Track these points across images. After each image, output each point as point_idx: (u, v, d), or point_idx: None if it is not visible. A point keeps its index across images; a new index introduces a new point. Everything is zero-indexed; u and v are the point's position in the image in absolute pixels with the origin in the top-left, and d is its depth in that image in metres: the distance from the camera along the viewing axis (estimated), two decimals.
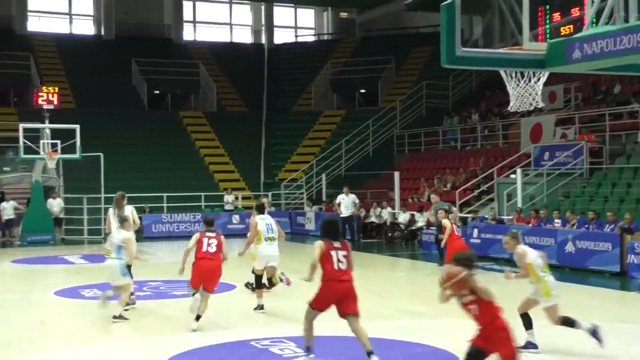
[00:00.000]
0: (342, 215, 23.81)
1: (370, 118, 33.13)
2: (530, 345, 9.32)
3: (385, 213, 25.65)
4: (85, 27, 40.87)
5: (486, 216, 21.42)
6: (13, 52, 33.88)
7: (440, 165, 28.31)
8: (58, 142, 24.80)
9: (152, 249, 22.79)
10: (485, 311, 6.73)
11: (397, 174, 26.71)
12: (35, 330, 11.16)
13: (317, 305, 8.73)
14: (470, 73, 34.02)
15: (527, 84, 7.60)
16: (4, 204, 26.56)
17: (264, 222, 12.58)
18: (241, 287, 14.50)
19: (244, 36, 43.66)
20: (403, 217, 24.90)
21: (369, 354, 8.57)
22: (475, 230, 20.33)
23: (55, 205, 26.65)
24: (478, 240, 20.07)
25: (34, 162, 26.99)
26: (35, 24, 39.59)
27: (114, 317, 11.45)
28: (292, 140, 34.97)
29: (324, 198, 29.94)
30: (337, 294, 8.64)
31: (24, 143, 24.60)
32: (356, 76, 36.82)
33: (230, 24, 43.39)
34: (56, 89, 26.92)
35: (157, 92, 36.74)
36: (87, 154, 25.86)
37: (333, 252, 8.61)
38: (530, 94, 7.67)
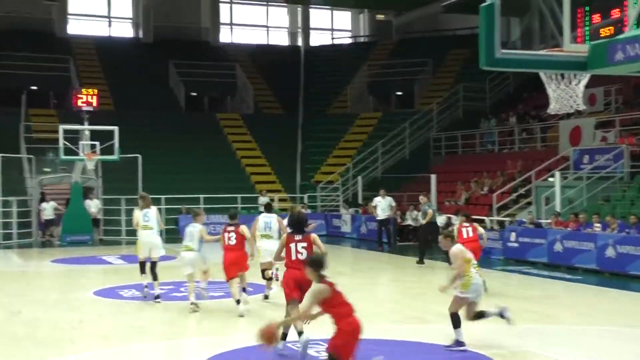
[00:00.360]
0: (378, 218, 23.78)
1: (407, 120, 33.01)
2: (457, 344, 9.67)
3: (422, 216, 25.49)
4: (124, 30, 41.31)
5: (524, 220, 21.22)
6: (53, 55, 34.39)
7: (477, 168, 28.12)
8: (97, 143, 25.07)
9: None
10: (334, 318, 6.91)
11: (433, 177, 26.58)
12: (75, 329, 11.30)
13: (286, 291, 9.71)
14: (508, 75, 33.76)
15: (567, 86, 7.52)
16: (44, 204, 26.94)
17: (264, 219, 13.81)
18: (280, 288, 14.51)
19: (281, 38, 43.80)
20: (439, 220, 24.74)
21: (300, 333, 9.32)
22: (513, 234, 20.15)
23: (93, 206, 26.96)
24: (516, 244, 19.90)
25: (73, 163, 27.28)
26: (75, 27, 40.12)
27: (192, 303, 12.51)
28: (328, 143, 34.98)
29: (359, 200, 29.90)
30: (293, 279, 9.51)
31: (64, 144, 24.89)
32: (393, 78, 36.72)
33: (267, 26, 43.56)
34: (95, 90, 27.15)
35: (194, 94, 37.02)
36: (125, 156, 26.12)
37: (292, 244, 9.63)
38: (570, 96, 7.59)
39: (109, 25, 41.03)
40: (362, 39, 44.65)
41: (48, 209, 26.82)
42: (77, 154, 25.10)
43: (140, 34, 40.44)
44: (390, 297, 15.23)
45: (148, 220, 13.63)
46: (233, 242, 12.57)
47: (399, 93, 37.54)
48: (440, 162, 31.43)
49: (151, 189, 27.54)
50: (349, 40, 45.10)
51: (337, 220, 28.93)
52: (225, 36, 42.38)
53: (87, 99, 26.31)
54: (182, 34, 40.17)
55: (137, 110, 33.59)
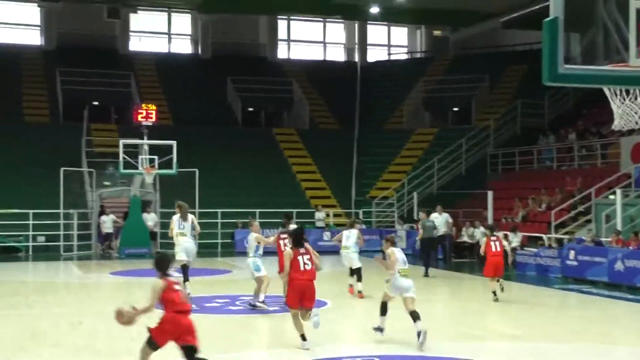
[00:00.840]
0: (431, 235, 23.51)
1: (463, 136, 32.72)
2: (378, 329, 11.17)
3: (478, 233, 25.19)
4: (183, 47, 41.91)
5: (583, 238, 20.79)
6: (116, 72, 35.07)
7: (535, 185, 27.69)
8: (155, 157, 25.36)
9: (244, 263, 23.04)
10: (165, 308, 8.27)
11: (490, 194, 26.24)
12: (133, 341, 11.37)
13: (292, 302, 10.56)
14: (567, 91, 33.25)
15: (632, 102, 7.33)
16: (103, 217, 27.36)
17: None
18: (332, 304, 14.46)
19: (337, 54, 43.91)
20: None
21: (302, 336, 10.49)
22: (572, 252, 19.73)
23: (150, 219, 27.25)
24: (575, 263, 19.48)
25: (132, 177, 27.67)
26: (136, 44, 40.85)
27: (250, 304, 13.62)
28: (383, 158, 34.86)
29: (415, 216, 29.66)
30: (302, 289, 10.50)
31: (124, 158, 25.25)
32: (449, 94, 36.48)
33: (324, 42, 43.72)
34: (154, 106, 27.58)
35: (251, 109, 37.30)
36: (182, 170, 26.40)
37: (299, 257, 10.58)
38: (635, 112, 7.39)
39: (169, 42, 41.66)
40: (418, 55, 44.49)
41: (107, 222, 27.24)
42: (136, 167, 25.41)
43: (199, 51, 40.97)
44: (446, 314, 15.02)
45: (183, 228, 14.74)
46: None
47: (456, 109, 37.26)
48: (497, 178, 31.04)
49: (208, 203, 27.91)
50: (406, 56, 44.99)
51: None
52: (283, 52, 42.66)
53: (146, 114, 26.68)
54: (240, 50, 40.57)
55: (195, 125, 33.97)
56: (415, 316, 10.78)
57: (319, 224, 29.49)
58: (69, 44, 37.87)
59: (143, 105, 27.85)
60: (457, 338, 11.75)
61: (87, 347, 10.75)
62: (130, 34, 40.48)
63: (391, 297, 11.27)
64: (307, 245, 10.91)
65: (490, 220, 25.74)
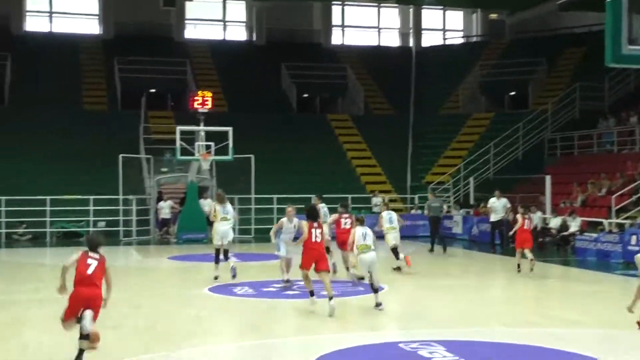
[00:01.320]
0: (491, 220, 23.33)
1: (520, 121, 32.27)
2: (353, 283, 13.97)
3: (536, 218, 24.82)
4: (238, 34, 42.11)
5: None
6: (172, 59, 35.44)
7: (594, 169, 27.17)
8: (212, 144, 25.55)
9: (299, 248, 23.13)
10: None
11: (548, 178, 25.83)
12: (191, 324, 11.54)
13: (304, 265, 12.39)
14: (629, 73, 32.49)
15: None
16: (161, 203, 27.75)
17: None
18: (389, 289, 14.44)
19: (392, 39, 43.63)
20: (554, 222, 24.07)
21: (330, 298, 11.86)
22: (634, 237, 19.32)
23: (206, 205, 27.49)
24: (637, 247, 19.06)
25: (189, 163, 27.95)
26: (191, 32, 41.19)
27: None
28: (439, 143, 34.60)
29: (471, 201, 29.43)
30: (314, 256, 12.30)
31: (180, 145, 25.50)
32: (506, 78, 35.98)
33: (378, 28, 43.48)
34: (210, 93, 27.75)
35: (306, 95, 37.34)
36: (238, 156, 26.58)
37: (313, 230, 12.44)
38: None
39: (224, 29, 41.91)
40: (474, 39, 43.96)
41: (165, 208, 27.62)
42: (192, 154, 25.64)
43: (254, 37, 41.13)
44: (502, 299, 14.87)
45: (227, 213, 16.22)
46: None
47: (512, 93, 36.74)
48: (555, 163, 30.55)
49: (263, 189, 28.07)
50: (461, 40, 44.48)
51: (448, 222, 28.51)
52: (337, 38, 42.56)
53: (202, 100, 26.86)
54: (294, 36, 40.61)
55: (250, 112, 34.14)
56: (375, 289, 12.35)
57: (375, 209, 29.39)
58: (126, 33, 38.39)
59: (199, 92, 28.02)
60: (516, 324, 11.62)
61: (147, 329, 10.93)
62: (186, 21, 40.84)
63: (365, 274, 12.76)
64: (319, 221, 12.78)
65: (548, 206, 25.41)
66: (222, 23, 41.95)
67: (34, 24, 39.96)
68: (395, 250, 17.16)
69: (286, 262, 15.01)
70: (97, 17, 40.42)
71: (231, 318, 12.15)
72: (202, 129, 25.95)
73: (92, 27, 40.62)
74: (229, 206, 16.46)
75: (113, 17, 39.72)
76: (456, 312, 12.35)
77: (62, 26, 39.98)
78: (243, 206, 27.53)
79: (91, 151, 30.36)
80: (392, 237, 17.21)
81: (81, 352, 8.74)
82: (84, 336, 8.68)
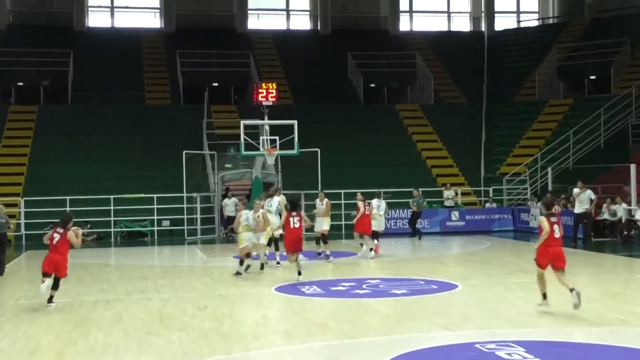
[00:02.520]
0: (576, 212, 22.92)
1: (602, 106, 31.60)
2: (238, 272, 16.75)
3: (620, 210, 24.29)
4: (302, 23, 42.23)
5: None
6: (234, 51, 35.76)
7: None
8: (277, 138, 25.61)
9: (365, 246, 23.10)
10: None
11: (633, 167, 25.20)
12: (259, 325, 11.63)
13: (288, 248, 15.83)
14: None
15: None
16: (226, 200, 27.98)
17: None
18: (463, 287, 14.30)
19: (463, 24, 43.17)
20: (619, 212, 23.54)
21: (299, 272, 15.67)
22: None
23: (230, 204, 27.27)
24: None
25: (253, 159, 28.12)
26: (254, 22, 41.50)
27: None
28: (514, 132, 34.12)
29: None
30: (291, 239, 15.82)
31: (245, 139, 25.60)
32: (585, 61, 35.26)
33: (448, 12, 43.07)
34: (274, 85, 27.80)
35: (373, 85, 37.23)
36: (304, 150, 26.64)
37: (291, 218, 15.87)
38: None
39: (287, 19, 42.10)
40: (550, 21, 43.16)
41: (230, 205, 27.80)
42: (257, 149, 25.69)
43: (318, 26, 41.21)
44: (587, 297, 14.56)
45: (270, 206, 18.77)
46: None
47: (593, 77, 35.96)
48: None
49: (329, 184, 28.10)
50: (537, 23, 43.73)
51: (525, 215, 28.11)
52: (405, 24, 42.33)
53: (266, 93, 26.91)
54: (360, 24, 40.57)
55: (316, 103, 34.23)
56: (243, 260, 16.39)
57: (447, 203, 29.17)
58: (188, 25, 38.94)
59: (263, 84, 28.10)
60: (603, 323, 11.36)
61: (214, 330, 11.05)
62: (248, 12, 41.17)
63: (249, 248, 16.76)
64: (298, 211, 16.12)
65: (633, 197, 24.79)
66: (285, 12, 42.14)
67: (96, 19, 40.86)
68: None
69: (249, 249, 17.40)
70: (158, 10, 41.08)
71: (299, 318, 12.19)
72: (266, 122, 26.01)
73: (153, 21, 41.31)
74: (275, 199, 19.11)
75: (174, 9, 40.29)
76: (535, 310, 12.13)
77: (124, 21, 40.77)
78: (309, 202, 27.57)
79: (154, 148, 30.90)
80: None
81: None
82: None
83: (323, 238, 20.05)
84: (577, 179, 24.39)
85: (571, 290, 11.41)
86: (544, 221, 11.53)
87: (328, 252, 19.73)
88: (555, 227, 11.53)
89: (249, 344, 10.21)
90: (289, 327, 11.46)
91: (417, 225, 26.68)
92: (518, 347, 9.44)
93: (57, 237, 13.10)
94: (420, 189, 29.43)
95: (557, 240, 11.62)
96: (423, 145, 33.93)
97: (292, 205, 16.31)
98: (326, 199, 20.73)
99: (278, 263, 18.38)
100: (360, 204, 20.28)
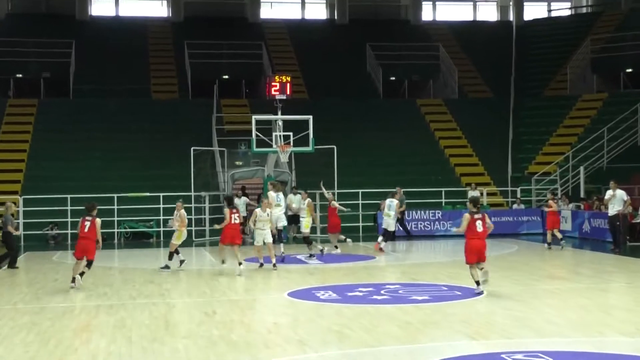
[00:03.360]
0: (610, 214, 22.79)
1: (638, 102, 31.47)
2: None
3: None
4: (318, 12, 42.26)
5: None
6: (246, 42, 35.81)
7: None
8: (290, 134, 25.58)
9: (387, 248, 23.14)
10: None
11: None
12: (270, 333, 11.64)
13: (225, 241, 18.47)
14: None
15: None
16: (236, 200, 27.92)
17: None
18: (489, 294, 14.27)
19: (489, 13, 43.08)
20: None
21: (240, 263, 17.89)
22: None
23: (295, 201, 27.37)
24: None
25: (266, 156, 28.13)
26: (267, 11, 41.54)
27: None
28: (544, 129, 34.04)
29: (581, 194, 28.81)
30: (232, 234, 18.29)
31: (256, 135, 25.59)
32: (621, 53, 35.13)
33: (474, 0, 42.98)
34: (289, 78, 27.74)
35: (393, 78, 37.20)
36: (319, 147, 26.63)
37: (232, 215, 18.11)
38: None
39: (302, 7, 42.13)
40: (584, 10, 43.02)
41: (240, 205, 27.78)
42: (270, 145, 25.67)
43: (335, 16, 41.22)
44: (621, 305, 14.49)
45: (280, 200, 21.10)
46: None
47: (629, 70, 35.81)
48: None
49: (347, 183, 28.11)
50: (569, 12, 43.60)
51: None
52: (427, 13, 42.28)
53: (280, 86, 26.86)
54: (380, 13, 40.59)
55: (332, 98, 34.25)
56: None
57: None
58: (197, 15, 39.06)
59: (276, 77, 28.06)
60: (637, 334, 11.30)
61: (223, 338, 11.06)
62: (261, 0, 41.21)
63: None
64: (237, 208, 18.97)
65: None
66: (300, 1, 42.16)
67: (99, 8, 41.05)
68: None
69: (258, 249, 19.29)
70: None
71: (314, 325, 12.19)
72: (279, 117, 26.04)
73: (160, 9, 41.46)
74: (281, 194, 21.26)
75: None
76: (565, 319, 12.09)
77: (129, 10, 40.93)
78: (324, 202, 27.57)
79: (160, 144, 31.01)
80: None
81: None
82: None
83: (306, 239, 21.74)
84: (611, 179, 24.26)
85: (477, 282, 14.05)
86: (465, 217, 14.08)
87: (313, 252, 21.32)
88: (478, 222, 13.97)
89: (260, 353, 10.22)
90: (302, 335, 11.46)
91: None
92: (546, 358, 9.43)
93: (87, 224, 15.76)
94: (444, 189, 29.47)
95: (480, 234, 14.06)
96: (446, 142, 33.88)
97: (229, 201, 19.18)
98: (308, 199, 22.20)
99: (274, 266, 19.18)
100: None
